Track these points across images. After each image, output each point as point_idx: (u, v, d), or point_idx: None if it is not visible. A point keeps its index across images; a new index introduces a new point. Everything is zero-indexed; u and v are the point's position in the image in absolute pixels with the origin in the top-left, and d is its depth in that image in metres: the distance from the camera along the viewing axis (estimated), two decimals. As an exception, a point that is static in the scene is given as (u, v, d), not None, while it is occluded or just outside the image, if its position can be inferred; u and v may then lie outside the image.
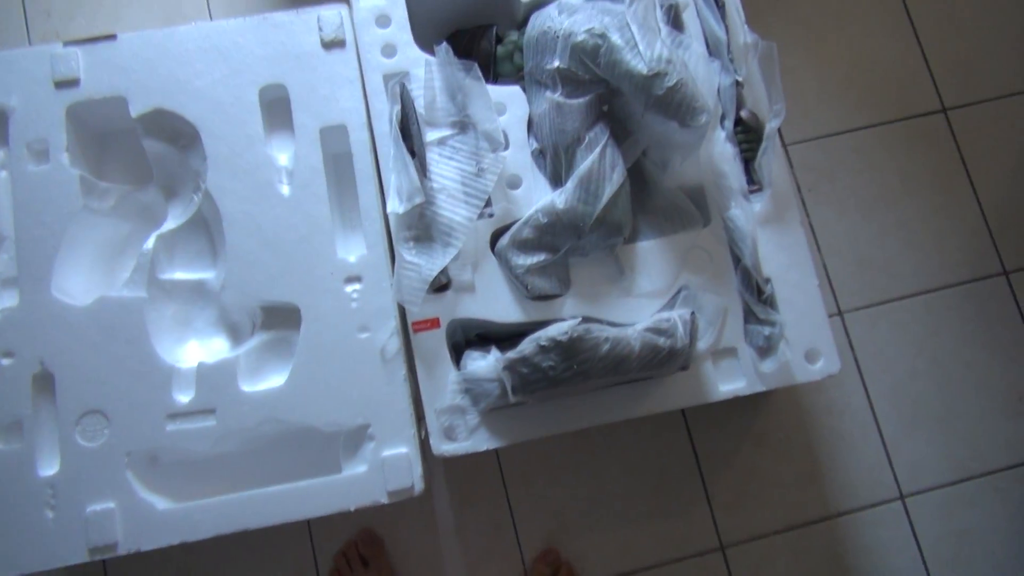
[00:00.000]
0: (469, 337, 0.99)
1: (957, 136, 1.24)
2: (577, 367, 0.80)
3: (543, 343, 0.79)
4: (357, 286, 0.95)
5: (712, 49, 1.01)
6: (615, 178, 0.92)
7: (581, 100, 0.93)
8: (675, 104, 0.87)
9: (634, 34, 0.89)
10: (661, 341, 0.84)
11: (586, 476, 1.13)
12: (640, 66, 0.87)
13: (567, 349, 0.79)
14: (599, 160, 0.92)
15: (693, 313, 0.89)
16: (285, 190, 0.97)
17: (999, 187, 1.23)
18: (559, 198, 0.92)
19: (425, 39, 1.11)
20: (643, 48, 0.88)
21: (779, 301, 0.95)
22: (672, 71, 0.87)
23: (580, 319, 0.88)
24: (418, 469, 0.91)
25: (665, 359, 0.85)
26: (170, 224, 1.00)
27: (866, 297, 1.18)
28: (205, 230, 1.03)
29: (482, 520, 1.11)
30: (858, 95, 1.24)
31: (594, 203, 0.91)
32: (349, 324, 0.94)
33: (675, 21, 1.01)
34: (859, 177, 1.22)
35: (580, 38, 0.92)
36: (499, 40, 1.05)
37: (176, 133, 1.00)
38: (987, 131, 1.24)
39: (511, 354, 0.81)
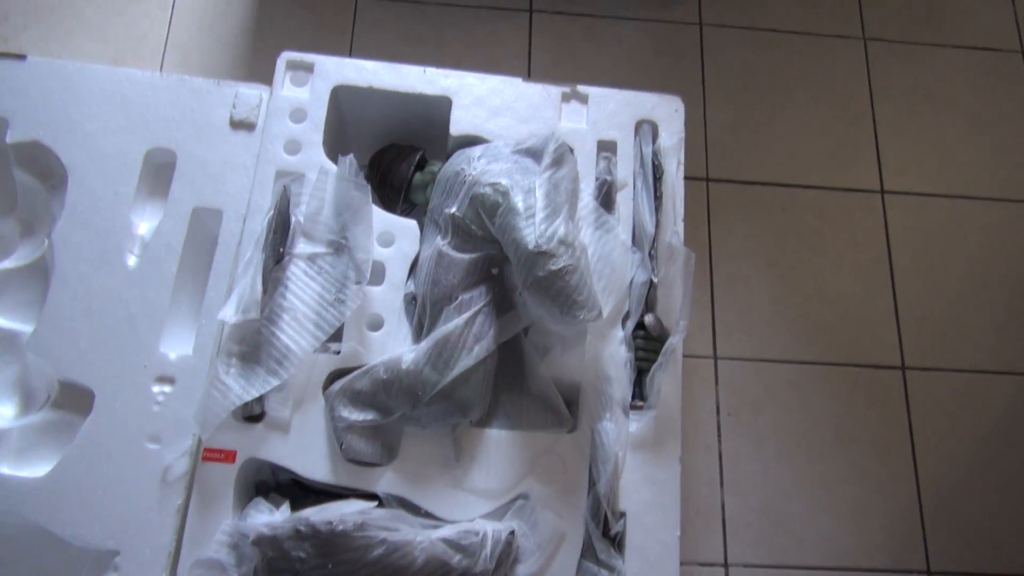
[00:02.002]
0: (286, 480, 0.86)
1: (911, 398, 1.10)
2: (333, 568, 0.66)
3: (301, 527, 0.66)
4: (167, 388, 0.83)
5: (637, 240, 0.91)
6: (476, 351, 0.80)
7: (466, 256, 0.83)
8: (554, 291, 0.76)
9: (537, 202, 0.80)
10: (455, 559, 0.70)
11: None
12: (529, 239, 0.77)
13: (326, 543, 0.66)
14: (463, 327, 0.81)
15: (512, 532, 0.75)
16: (132, 261, 0.88)
17: (944, 472, 1.08)
18: (408, 356, 0.80)
19: (358, 144, 1.05)
20: (539, 220, 0.78)
21: (628, 544, 0.80)
22: (562, 254, 0.77)
23: (375, 504, 0.75)
24: (152, 622, 0.76)
25: (455, 582, 0.70)
26: (10, 263, 0.92)
27: (760, 555, 1.02)
28: (43, 280, 0.93)
29: None
30: (812, 327, 1.13)
31: (442, 372, 0.79)
32: (142, 429, 0.81)
33: (606, 199, 0.92)
34: (788, 415, 1.08)
35: (482, 190, 0.83)
36: (420, 167, 0.96)
37: (48, 171, 0.92)
38: (944, 404, 1.11)
39: (264, 528, 0.67)
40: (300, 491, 0.83)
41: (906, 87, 1.27)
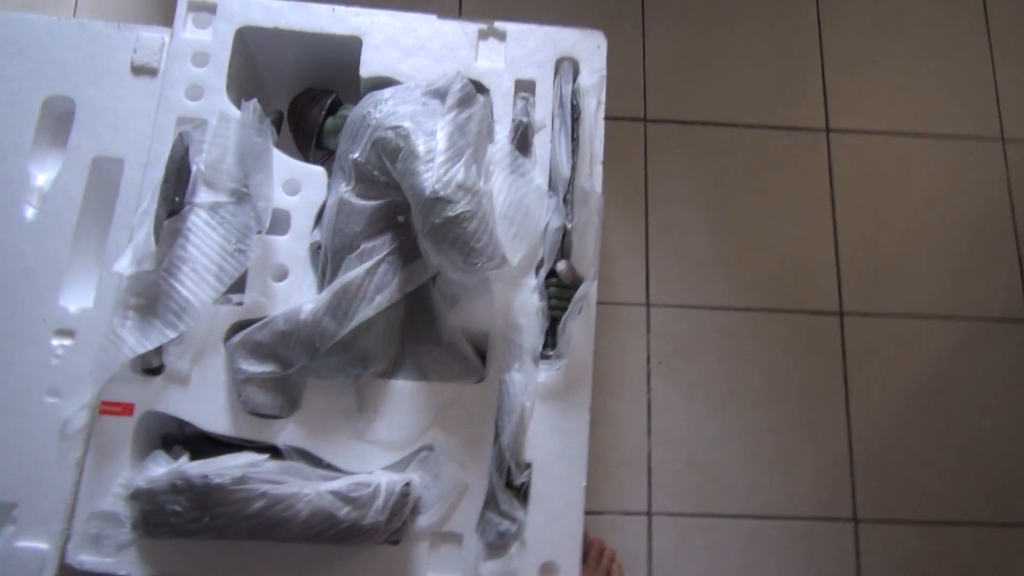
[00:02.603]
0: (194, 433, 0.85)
1: (847, 345, 1.08)
2: (210, 521, 0.65)
3: (177, 481, 0.65)
4: (67, 342, 0.82)
5: (553, 184, 0.88)
6: (377, 301, 0.78)
7: (369, 203, 0.81)
8: (451, 238, 0.74)
9: (437, 144, 0.77)
10: (343, 512, 0.70)
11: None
12: (426, 184, 0.74)
13: (201, 496, 0.65)
14: (364, 276, 0.78)
15: (408, 484, 0.74)
16: (30, 213, 0.85)
17: (877, 420, 1.07)
18: (307, 306, 0.78)
19: (276, 89, 1.01)
20: (438, 164, 0.75)
21: (533, 494, 0.80)
22: (460, 200, 0.74)
23: (266, 457, 0.74)
24: (50, 574, 0.76)
25: (344, 534, 0.70)
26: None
27: (686, 504, 1.02)
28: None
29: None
30: (749, 273, 1.10)
31: (342, 323, 0.77)
32: (41, 382, 0.80)
33: (522, 142, 0.89)
34: (721, 364, 1.07)
35: (384, 134, 0.79)
36: (333, 111, 0.93)
37: (-58, 119, 0.89)
38: (881, 350, 1.09)
39: (140, 481, 0.66)
40: (209, 444, 0.82)
41: (856, 17, 1.21)
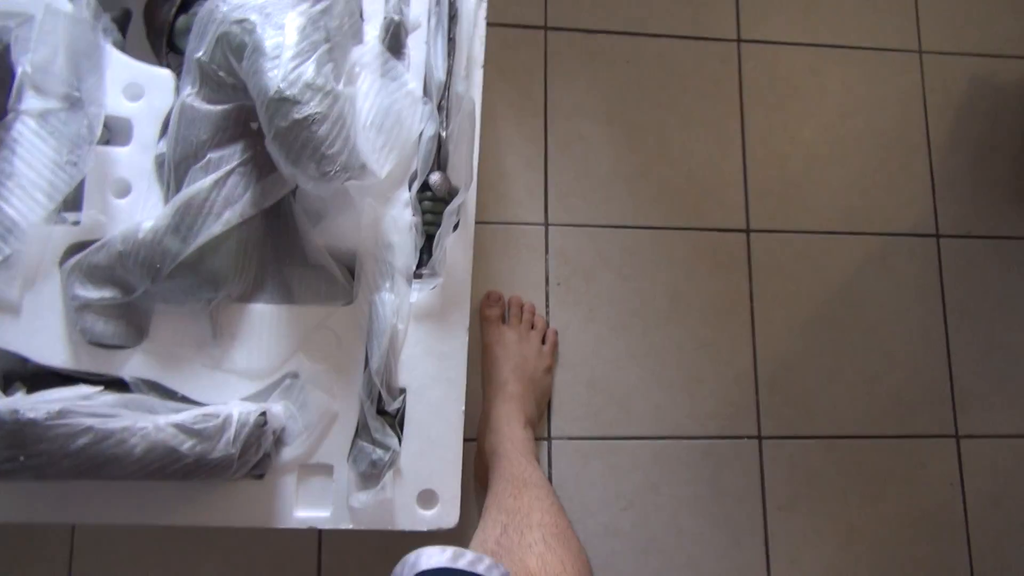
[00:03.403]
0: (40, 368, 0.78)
1: (753, 263, 1.05)
2: (27, 460, 0.58)
3: (-16, 416, 0.58)
4: None
5: (428, 90, 0.80)
6: (226, 217, 0.71)
7: (216, 108, 0.72)
8: (298, 144, 0.66)
9: (284, 39, 0.68)
10: (186, 445, 0.64)
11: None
12: (271, 83, 0.66)
13: (13, 434, 0.58)
14: (210, 189, 0.71)
15: (263, 414, 0.68)
16: None
17: (782, 337, 1.04)
18: (146, 224, 0.70)
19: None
20: (285, 61, 0.67)
21: (408, 421, 0.75)
22: (308, 100, 0.66)
23: (101, 389, 0.67)
24: None
25: (190, 469, 0.64)
26: None
27: (585, 427, 0.98)
28: None
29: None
30: (653, 190, 1.05)
31: (185, 241, 0.70)
32: None
33: (394, 42, 0.81)
34: (622, 284, 1.02)
35: (229, 28, 0.71)
36: (186, 7, 0.83)
37: None
38: (788, 268, 1.06)
39: (-54, 419, 0.59)
40: (58, 380, 0.75)
41: (770, -79, 1.15)
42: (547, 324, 0.96)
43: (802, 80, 1.11)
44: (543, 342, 0.97)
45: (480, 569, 0.54)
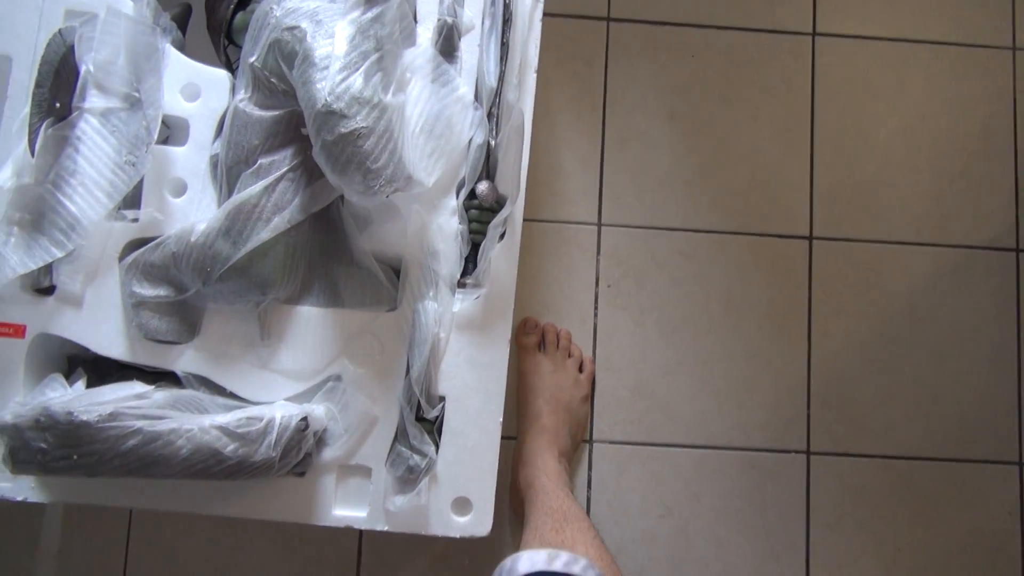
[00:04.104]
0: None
1: (814, 271, 1.01)
2: (79, 459, 0.62)
3: (41, 417, 0.61)
4: (-43, 258, 0.77)
5: (479, 95, 0.79)
6: (275, 223, 0.72)
7: (268, 113, 0.73)
8: (344, 157, 0.67)
9: (334, 49, 0.68)
10: (229, 448, 0.66)
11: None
12: (319, 96, 0.66)
13: (67, 435, 0.61)
14: (262, 195, 0.72)
15: (305, 419, 0.70)
16: (-88, 116, 0.79)
17: (839, 351, 1.01)
18: (199, 227, 0.72)
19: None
20: (333, 73, 0.67)
21: (446, 429, 0.76)
22: (355, 114, 0.66)
23: (154, 388, 0.70)
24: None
25: (232, 470, 0.67)
26: None
27: (628, 432, 0.98)
28: None
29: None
30: (713, 192, 1.02)
31: (236, 245, 0.71)
32: (-69, 300, 0.76)
33: (446, 45, 0.79)
34: (675, 289, 1.00)
35: (281, 35, 0.71)
36: (245, 3, 0.84)
37: None
38: (850, 278, 1.02)
39: (7, 415, 0.63)
40: (117, 366, 0.79)
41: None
42: (583, 352, 0.95)
43: (880, 77, 1.05)
44: (580, 370, 0.96)
45: (576, 570, 0.55)
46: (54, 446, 0.61)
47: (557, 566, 0.55)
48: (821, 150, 1.03)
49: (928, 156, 1.04)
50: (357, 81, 0.67)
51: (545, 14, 0.80)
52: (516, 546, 0.74)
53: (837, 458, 0.99)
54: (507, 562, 0.56)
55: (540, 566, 0.55)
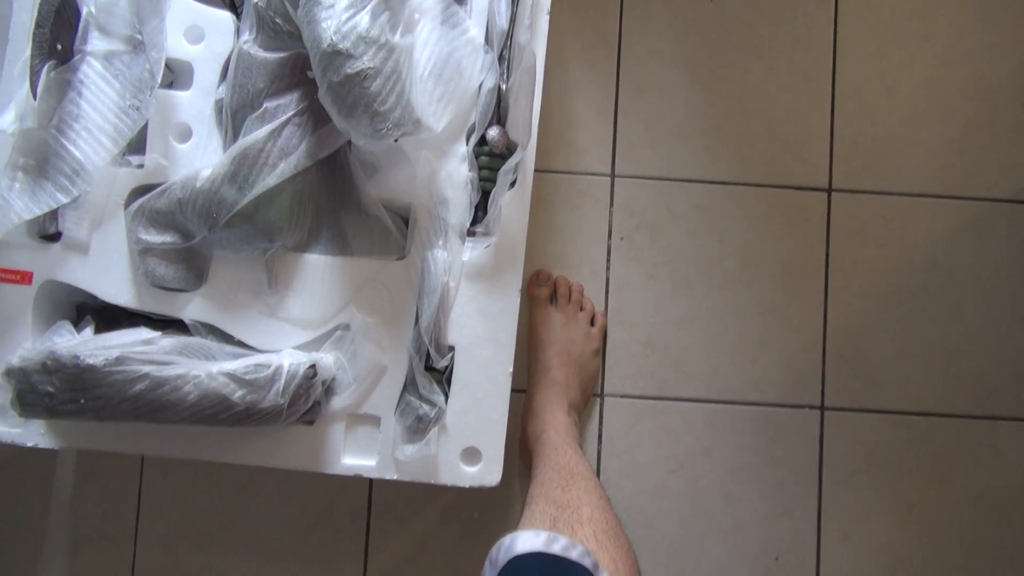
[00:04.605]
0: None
1: (833, 224, 0.99)
2: (86, 403, 0.61)
3: (47, 360, 0.61)
4: (-36, 204, 0.76)
5: (490, 38, 0.77)
6: (281, 168, 0.71)
7: (273, 55, 0.71)
8: (350, 99, 0.65)
9: (341, -13, 0.66)
10: (237, 394, 0.66)
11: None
12: (324, 34, 0.64)
13: (74, 378, 0.61)
14: (268, 139, 0.70)
15: (313, 366, 0.70)
16: (-84, 58, 0.78)
17: (856, 305, 0.99)
18: (204, 172, 0.71)
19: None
20: (341, 9, 0.65)
21: (456, 379, 0.75)
22: (362, 54, 0.64)
23: (161, 334, 0.70)
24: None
25: (240, 417, 0.66)
26: None
27: (640, 386, 0.97)
28: None
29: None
30: (730, 142, 0.99)
31: (242, 191, 0.70)
32: (-62, 246, 0.76)
33: (458, -13, 0.77)
34: (690, 241, 0.98)
35: (286, -26, 0.69)
36: (249, -54, 0.81)
37: None
38: (871, 231, 1.00)
39: (14, 359, 0.63)
40: (126, 314, 0.78)
41: None
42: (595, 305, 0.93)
43: (906, 24, 1.01)
44: (592, 324, 0.94)
45: (573, 555, 0.55)
46: (61, 389, 0.61)
47: (555, 550, 0.54)
48: (842, 100, 1.00)
49: (954, 106, 1.01)
50: (364, 20, 0.65)
51: (560, -45, 0.78)
52: (524, 499, 0.74)
53: (852, 414, 0.98)
54: (505, 540, 0.56)
55: (538, 548, 0.54)
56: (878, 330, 0.99)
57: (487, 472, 0.75)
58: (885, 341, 0.99)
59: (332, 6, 0.65)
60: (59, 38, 0.73)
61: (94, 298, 0.79)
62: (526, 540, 0.55)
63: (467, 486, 0.74)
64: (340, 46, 0.64)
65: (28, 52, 0.73)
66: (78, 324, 0.76)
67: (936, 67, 1.01)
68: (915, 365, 0.98)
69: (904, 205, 0.99)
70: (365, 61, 0.64)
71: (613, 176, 0.98)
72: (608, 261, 0.98)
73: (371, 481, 0.95)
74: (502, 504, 0.95)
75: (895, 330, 0.99)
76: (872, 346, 0.98)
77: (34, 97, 0.71)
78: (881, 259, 0.99)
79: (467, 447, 0.75)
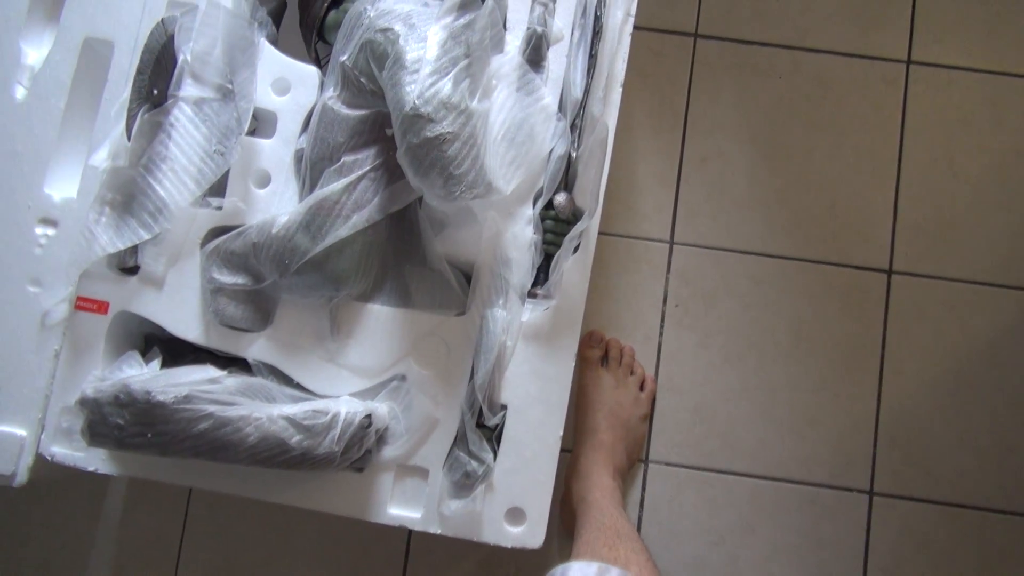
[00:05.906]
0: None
1: (891, 307, 0.98)
2: (153, 437, 0.63)
3: (120, 394, 0.63)
4: (50, 231, 0.80)
5: (563, 106, 0.79)
6: (354, 220, 0.73)
7: (354, 112, 0.74)
8: (427, 162, 0.67)
9: (425, 53, 0.69)
10: (295, 439, 0.67)
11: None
12: (407, 99, 0.67)
13: (144, 413, 0.63)
14: (342, 192, 0.73)
15: (368, 416, 0.71)
16: (20, 93, 0.82)
17: (912, 391, 0.97)
18: (281, 219, 0.74)
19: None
20: (423, 76, 0.68)
21: (506, 438, 0.76)
22: (442, 119, 0.67)
23: (227, 373, 0.72)
24: (29, 460, 0.77)
25: (295, 461, 0.68)
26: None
27: (686, 455, 0.96)
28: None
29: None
30: (790, 217, 0.99)
31: (314, 240, 0.72)
32: (24, 270, 0.79)
33: (534, 54, 0.79)
34: (745, 313, 0.98)
35: (373, 36, 0.72)
36: (338, 2, 0.85)
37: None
38: (930, 316, 0.99)
39: (88, 389, 0.65)
40: (191, 348, 0.81)
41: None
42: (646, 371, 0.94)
43: (976, 110, 1.01)
44: (641, 389, 0.95)
45: None
46: (130, 423, 0.63)
47: None
48: (907, 182, 1.00)
49: (1020, 194, 1.00)
50: (446, 86, 0.68)
51: (633, 27, 0.80)
52: (563, 560, 0.74)
53: (901, 501, 0.96)
54: (557, 570, 0.56)
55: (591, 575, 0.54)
56: (933, 417, 0.97)
57: (530, 534, 0.74)
58: (940, 429, 0.97)
59: (417, 71, 0.68)
60: (156, 83, 0.77)
61: (162, 330, 0.82)
62: (579, 571, 0.55)
63: (510, 546, 0.74)
64: (422, 110, 0.66)
65: (126, 94, 0.77)
66: (146, 354, 0.79)
67: (1005, 154, 1.01)
68: (970, 457, 0.96)
69: (965, 292, 0.98)
70: (445, 126, 0.67)
71: (672, 243, 0.99)
72: (661, 327, 0.98)
73: (410, 532, 0.96)
74: (539, 563, 0.94)
75: (951, 419, 0.97)
76: (926, 433, 0.97)
77: (128, 138, 0.75)
78: (939, 345, 0.98)
79: (512, 507, 0.75)
